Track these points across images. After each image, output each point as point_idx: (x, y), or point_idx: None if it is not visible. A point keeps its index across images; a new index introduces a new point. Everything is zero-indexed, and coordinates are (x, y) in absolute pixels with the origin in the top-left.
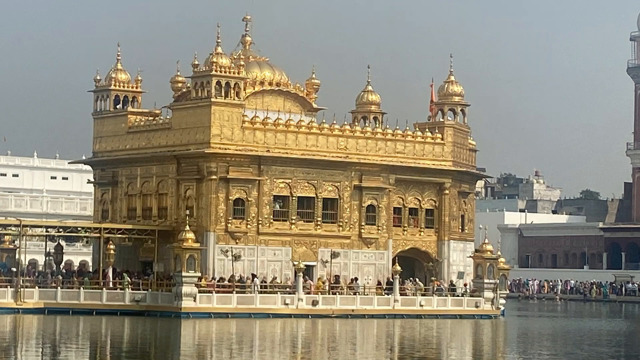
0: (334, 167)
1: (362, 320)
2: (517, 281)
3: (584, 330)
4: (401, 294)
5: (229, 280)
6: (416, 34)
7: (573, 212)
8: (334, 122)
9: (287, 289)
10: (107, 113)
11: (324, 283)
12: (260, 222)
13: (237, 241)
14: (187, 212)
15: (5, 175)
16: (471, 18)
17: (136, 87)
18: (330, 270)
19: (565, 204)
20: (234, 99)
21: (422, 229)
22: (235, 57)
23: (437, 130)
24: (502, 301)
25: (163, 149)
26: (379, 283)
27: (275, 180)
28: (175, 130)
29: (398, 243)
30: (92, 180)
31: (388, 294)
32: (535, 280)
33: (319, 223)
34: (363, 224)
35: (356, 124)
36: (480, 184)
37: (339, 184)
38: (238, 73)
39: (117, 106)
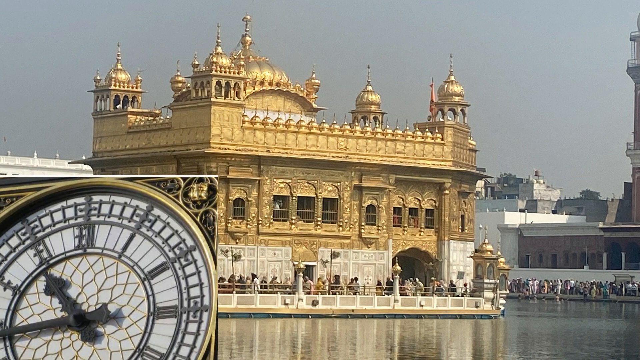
0: (334, 167)
1: (362, 320)
2: (517, 281)
3: (584, 330)
4: (401, 294)
5: (229, 280)
6: (416, 34)
7: (573, 212)
8: (334, 122)
9: (287, 289)
10: (107, 113)
11: (324, 283)
12: (260, 222)
13: (237, 241)
14: None
15: (5, 175)
16: (471, 18)
17: (136, 87)
18: (330, 270)
19: (565, 204)
20: (234, 99)
21: (422, 229)
22: (235, 57)
23: (437, 130)
24: (502, 301)
25: (163, 149)
26: (379, 283)
27: (275, 180)
28: (175, 130)
29: (398, 243)
30: None
31: (388, 294)
32: (535, 280)
33: (319, 223)
34: (363, 224)
35: (356, 124)
36: (480, 184)
37: (339, 184)
38: (238, 73)
39: (117, 106)
